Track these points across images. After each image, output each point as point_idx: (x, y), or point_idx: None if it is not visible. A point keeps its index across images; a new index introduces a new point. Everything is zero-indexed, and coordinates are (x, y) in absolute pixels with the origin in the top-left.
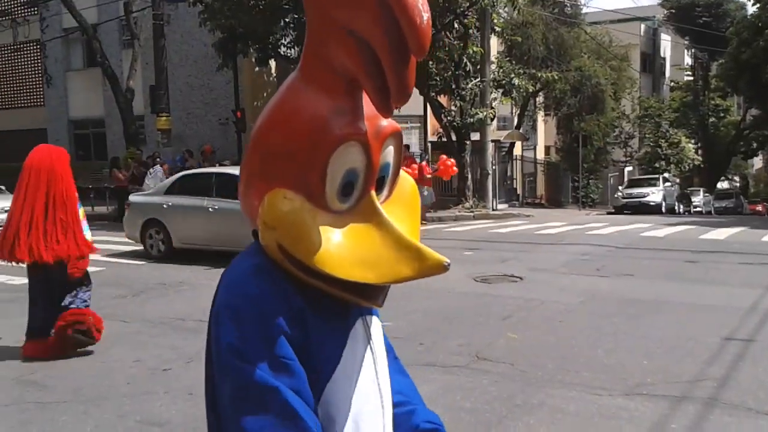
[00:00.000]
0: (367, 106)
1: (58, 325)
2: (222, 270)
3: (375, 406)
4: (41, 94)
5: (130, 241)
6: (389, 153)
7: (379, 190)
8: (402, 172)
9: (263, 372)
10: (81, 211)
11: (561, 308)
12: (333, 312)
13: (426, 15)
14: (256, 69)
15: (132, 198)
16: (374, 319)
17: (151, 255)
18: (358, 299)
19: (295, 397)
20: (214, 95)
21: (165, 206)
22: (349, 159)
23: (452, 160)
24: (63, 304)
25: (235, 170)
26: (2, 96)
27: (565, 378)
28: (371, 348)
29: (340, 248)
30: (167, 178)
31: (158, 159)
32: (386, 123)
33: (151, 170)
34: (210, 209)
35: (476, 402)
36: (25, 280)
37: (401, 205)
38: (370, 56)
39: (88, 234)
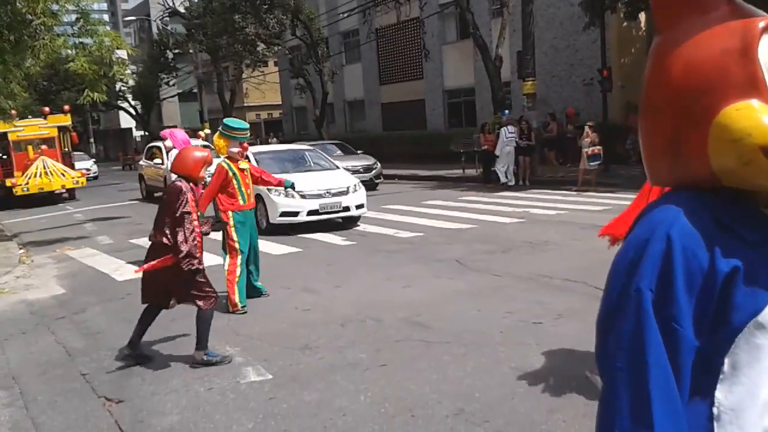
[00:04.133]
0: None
1: None
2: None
3: None
4: (420, 68)
5: (495, 201)
6: None
7: None
8: None
9: (641, 337)
10: None
11: None
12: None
13: None
14: (624, 24)
15: None
16: None
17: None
18: None
19: (662, 391)
20: (579, 56)
21: None
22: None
23: None
24: None
25: None
26: (389, 72)
27: None
28: None
29: None
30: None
31: (522, 122)
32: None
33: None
34: None
35: None
36: None
37: None
38: None
39: None
